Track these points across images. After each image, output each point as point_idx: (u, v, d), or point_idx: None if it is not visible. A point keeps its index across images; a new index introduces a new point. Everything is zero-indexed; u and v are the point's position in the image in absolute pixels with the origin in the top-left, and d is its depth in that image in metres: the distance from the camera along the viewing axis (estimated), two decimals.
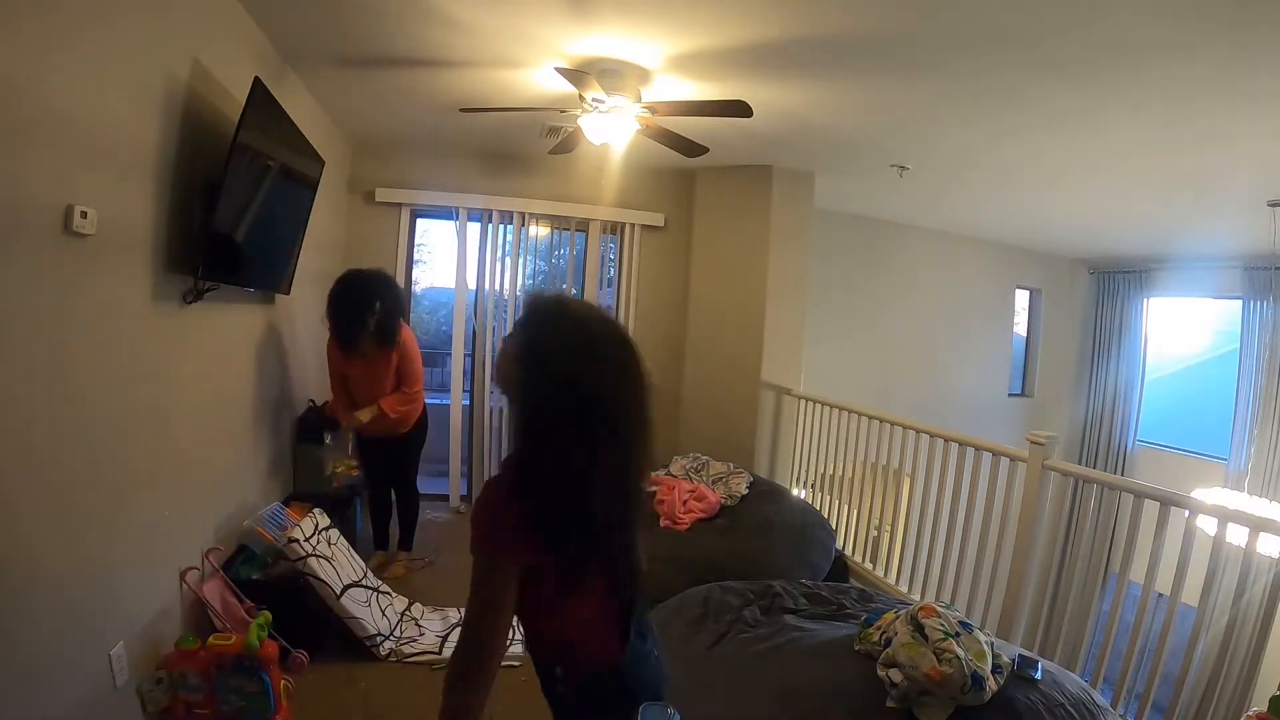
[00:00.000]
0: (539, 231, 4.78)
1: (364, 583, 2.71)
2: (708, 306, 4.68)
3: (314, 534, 2.61)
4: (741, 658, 2.15)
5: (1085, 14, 2.05)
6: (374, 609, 2.64)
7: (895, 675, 1.81)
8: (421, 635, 2.69)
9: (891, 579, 3.43)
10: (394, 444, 3.26)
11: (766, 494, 3.71)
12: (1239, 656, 2.25)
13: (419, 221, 4.64)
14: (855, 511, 3.76)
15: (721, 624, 2.38)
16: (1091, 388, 6.52)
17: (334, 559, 2.63)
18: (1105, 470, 5.95)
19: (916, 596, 3.15)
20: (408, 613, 2.84)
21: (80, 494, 1.64)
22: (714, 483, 3.82)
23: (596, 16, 2.31)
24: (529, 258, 4.79)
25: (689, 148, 3.11)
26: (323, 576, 2.48)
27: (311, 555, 2.49)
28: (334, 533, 2.77)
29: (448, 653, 2.59)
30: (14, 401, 1.40)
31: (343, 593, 2.53)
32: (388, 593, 2.84)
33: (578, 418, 1.03)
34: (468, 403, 4.60)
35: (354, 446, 3.38)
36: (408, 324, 3.25)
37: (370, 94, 3.35)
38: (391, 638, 2.61)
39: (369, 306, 2.87)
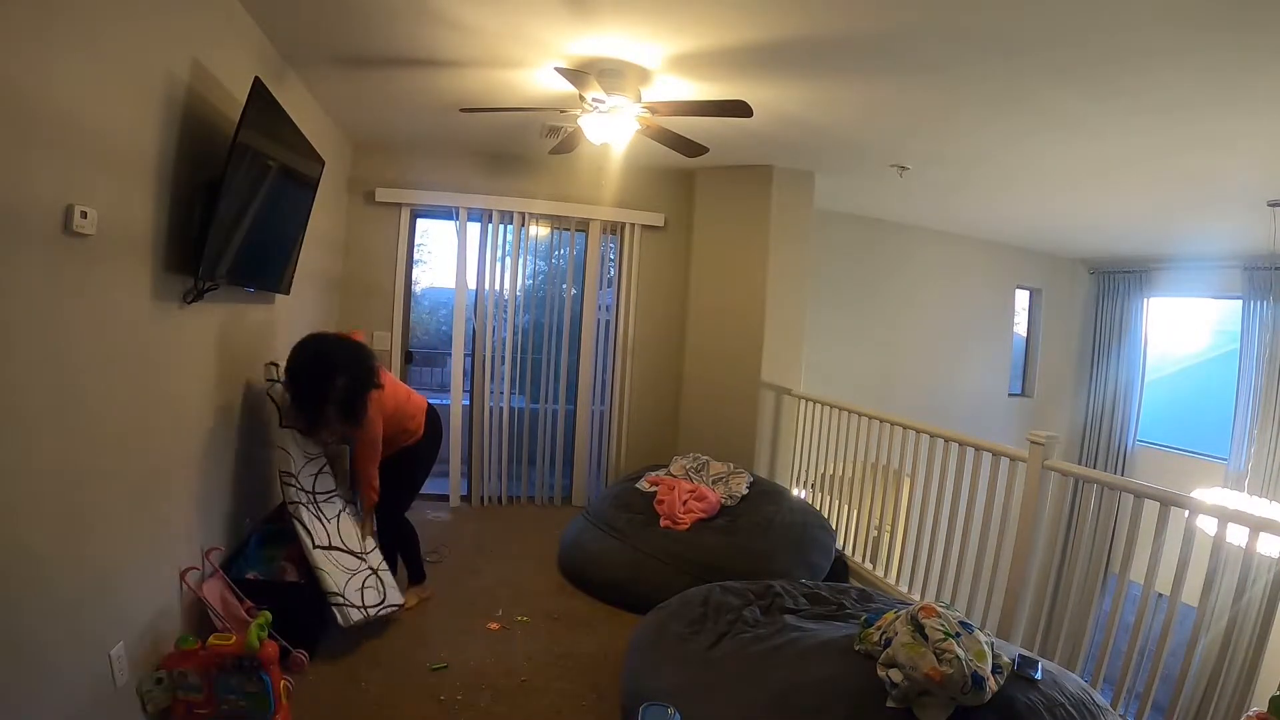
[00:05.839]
0: (539, 231, 4.78)
1: (357, 556, 2.73)
2: (708, 306, 4.68)
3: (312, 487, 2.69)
4: (741, 657, 2.16)
5: (1086, 19, 2.05)
6: (352, 581, 2.62)
7: (895, 675, 1.82)
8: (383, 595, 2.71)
9: (891, 579, 3.43)
10: (392, 459, 2.85)
11: (766, 494, 3.71)
12: (1239, 656, 2.26)
13: (419, 221, 4.63)
14: (855, 511, 3.76)
15: (721, 624, 2.38)
16: (1091, 388, 6.52)
17: (328, 519, 2.69)
18: (1105, 470, 5.95)
19: (916, 596, 3.15)
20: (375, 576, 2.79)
21: (80, 493, 1.64)
22: (714, 483, 3.82)
23: (596, 17, 2.31)
24: (529, 258, 4.78)
25: (689, 148, 3.11)
26: (307, 524, 2.54)
27: (303, 504, 2.57)
28: (340, 501, 2.80)
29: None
30: (14, 401, 1.40)
31: (323, 549, 2.57)
32: (372, 572, 2.78)
33: None
34: (467, 403, 4.60)
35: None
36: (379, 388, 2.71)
37: (370, 94, 3.35)
38: (361, 609, 2.57)
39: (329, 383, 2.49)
